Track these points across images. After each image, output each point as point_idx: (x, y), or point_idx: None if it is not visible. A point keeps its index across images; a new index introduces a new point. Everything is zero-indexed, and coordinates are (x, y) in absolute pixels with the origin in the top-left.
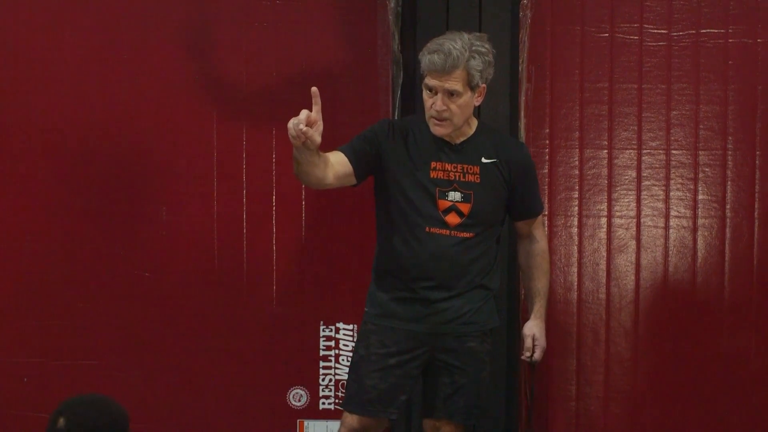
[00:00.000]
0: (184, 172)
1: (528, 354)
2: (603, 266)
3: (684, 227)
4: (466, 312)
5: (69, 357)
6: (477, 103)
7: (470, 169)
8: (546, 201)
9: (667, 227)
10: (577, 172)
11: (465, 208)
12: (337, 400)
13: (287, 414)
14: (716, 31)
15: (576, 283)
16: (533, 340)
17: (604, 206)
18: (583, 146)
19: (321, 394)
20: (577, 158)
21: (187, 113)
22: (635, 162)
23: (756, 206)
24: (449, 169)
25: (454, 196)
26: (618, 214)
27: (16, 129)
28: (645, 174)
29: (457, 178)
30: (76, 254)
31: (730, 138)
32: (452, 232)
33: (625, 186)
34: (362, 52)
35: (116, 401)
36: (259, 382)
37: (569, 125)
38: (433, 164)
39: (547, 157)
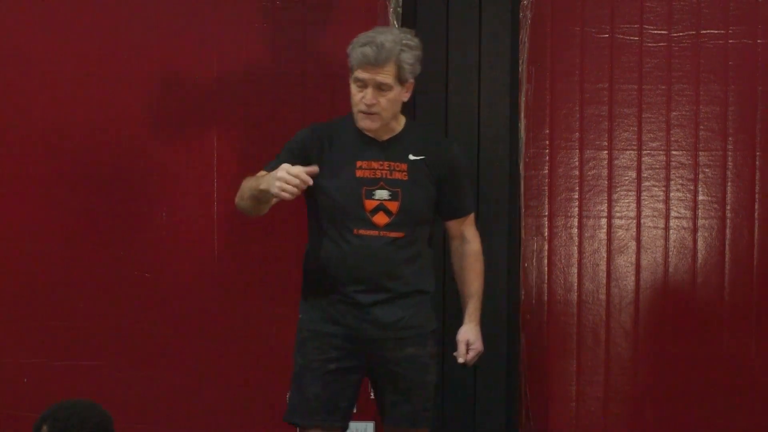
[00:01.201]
0: (185, 173)
1: (461, 360)
2: (603, 267)
3: (684, 228)
4: (402, 317)
5: (69, 357)
6: (405, 99)
7: (397, 166)
8: (546, 202)
9: (667, 228)
10: (577, 172)
11: (393, 206)
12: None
13: None
14: (716, 31)
15: (576, 284)
16: (467, 345)
17: (605, 207)
18: (584, 147)
19: None
20: (577, 159)
21: (188, 114)
22: (635, 163)
23: (756, 207)
24: (375, 167)
25: (381, 194)
26: (618, 214)
27: (17, 130)
28: (645, 175)
29: (384, 176)
30: (76, 255)
31: (730, 139)
32: (381, 232)
33: (625, 187)
34: None
35: (100, 406)
36: (259, 383)
37: (569, 126)
38: (359, 163)
39: (548, 157)
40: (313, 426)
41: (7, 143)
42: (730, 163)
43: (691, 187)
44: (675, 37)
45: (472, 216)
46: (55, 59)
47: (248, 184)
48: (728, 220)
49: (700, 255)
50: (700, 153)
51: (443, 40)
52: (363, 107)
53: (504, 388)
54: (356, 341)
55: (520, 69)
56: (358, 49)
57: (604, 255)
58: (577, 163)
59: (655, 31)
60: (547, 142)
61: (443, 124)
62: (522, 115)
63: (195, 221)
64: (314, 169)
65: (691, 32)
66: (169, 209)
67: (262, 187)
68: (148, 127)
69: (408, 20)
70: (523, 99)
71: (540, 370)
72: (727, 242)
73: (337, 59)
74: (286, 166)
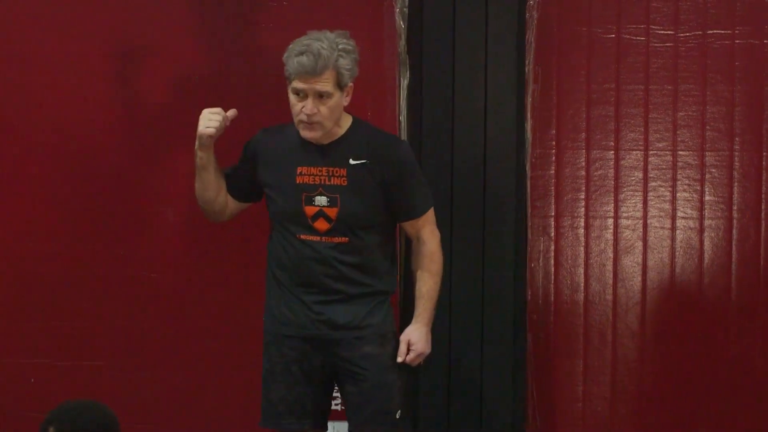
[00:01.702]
0: (191, 172)
1: (400, 359)
2: (610, 267)
3: (691, 228)
4: (357, 317)
5: (75, 358)
6: (345, 103)
7: (336, 171)
8: (553, 202)
9: (673, 228)
10: (583, 173)
11: (332, 212)
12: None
13: None
14: (723, 32)
15: (582, 284)
16: (408, 345)
17: (611, 207)
18: (590, 147)
19: None
20: (583, 159)
21: (195, 113)
22: (642, 163)
23: (763, 207)
24: (315, 173)
25: (321, 200)
26: (625, 215)
27: (22, 129)
28: (652, 175)
29: (323, 182)
30: (81, 255)
31: (736, 139)
32: (323, 238)
33: (631, 187)
34: (368, 54)
35: (106, 406)
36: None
37: (576, 126)
38: (299, 169)
39: (554, 158)
40: (282, 429)
41: (11, 143)
42: (736, 164)
43: (698, 188)
44: (682, 37)
45: (427, 216)
46: (60, 59)
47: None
48: (735, 221)
49: (706, 255)
50: (706, 153)
51: (449, 40)
52: (304, 117)
53: (510, 388)
54: (313, 342)
55: (526, 69)
56: (294, 58)
57: (611, 255)
58: (583, 164)
59: (662, 32)
60: (554, 143)
61: (450, 124)
62: (528, 115)
63: (201, 221)
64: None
65: (697, 32)
66: (174, 209)
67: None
68: (154, 127)
69: (414, 21)
70: (529, 99)
71: (546, 370)
72: (733, 242)
73: None
74: (207, 109)
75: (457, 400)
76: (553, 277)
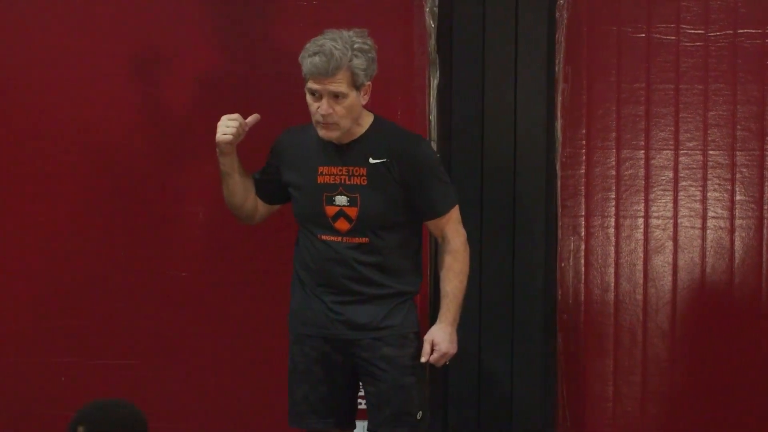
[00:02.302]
0: (217, 172)
1: (423, 359)
2: (640, 267)
3: (721, 228)
4: (375, 317)
5: (106, 357)
6: (364, 102)
7: (356, 171)
8: (583, 202)
9: (704, 228)
10: (613, 172)
11: (352, 212)
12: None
13: None
14: (753, 31)
15: (613, 284)
16: (432, 345)
17: (641, 207)
18: (620, 147)
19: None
20: (613, 159)
21: (220, 114)
22: (672, 162)
23: None
24: (335, 172)
25: (341, 200)
26: (655, 214)
27: (50, 129)
28: (682, 174)
29: (343, 182)
30: (113, 255)
31: (767, 138)
32: (344, 238)
33: (662, 186)
34: (398, 54)
35: (135, 405)
36: None
37: (606, 126)
38: (320, 169)
39: (584, 157)
40: (308, 428)
41: (40, 142)
42: (767, 163)
43: (729, 187)
44: (712, 36)
45: (450, 214)
46: (88, 59)
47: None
48: (765, 220)
49: (737, 255)
50: (737, 153)
51: (479, 40)
52: (319, 117)
53: (541, 388)
54: (333, 342)
55: (556, 69)
56: (308, 59)
57: (641, 255)
58: (613, 163)
59: (692, 31)
60: (584, 142)
61: (480, 124)
62: (558, 115)
63: (231, 220)
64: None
65: (728, 31)
66: (205, 209)
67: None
68: (180, 126)
69: (444, 20)
70: (559, 99)
71: (577, 370)
72: (764, 242)
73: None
74: (225, 116)
75: (487, 401)
76: (583, 276)
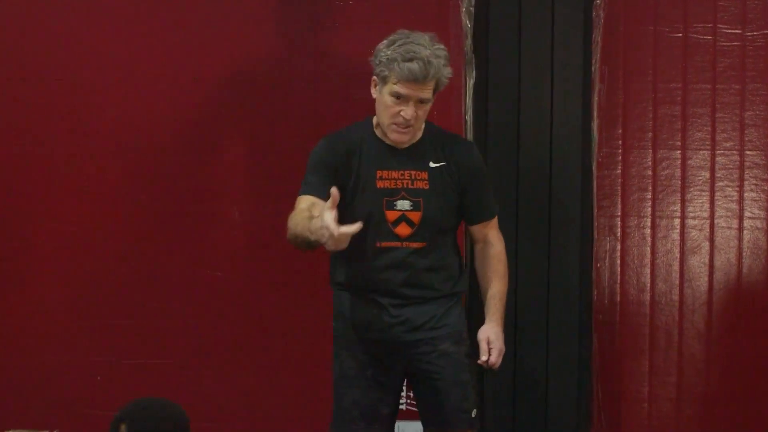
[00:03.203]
0: (256, 171)
1: (484, 358)
2: (676, 267)
3: (758, 228)
4: (433, 316)
5: (141, 356)
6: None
7: (418, 174)
8: (619, 202)
9: (740, 228)
10: (650, 172)
11: (415, 216)
12: (408, 400)
13: None
14: None
15: (649, 285)
16: (488, 343)
17: (678, 207)
18: (657, 147)
19: None
20: (650, 159)
21: (259, 114)
22: (709, 163)
23: None
24: (396, 176)
25: (403, 204)
26: (691, 215)
27: (88, 130)
28: (719, 175)
29: (405, 186)
30: (148, 254)
31: None
32: (404, 243)
33: (698, 187)
34: None
35: (177, 404)
36: (328, 383)
37: (642, 126)
38: (379, 173)
39: (620, 157)
40: None
41: (79, 143)
42: None
43: (765, 188)
44: (749, 36)
45: (495, 219)
46: (127, 59)
47: (297, 229)
48: None
49: None
50: None
51: (515, 40)
52: (401, 120)
53: (576, 388)
54: (390, 345)
55: (592, 69)
56: (404, 64)
57: (677, 255)
58: (650, 163)
59: (729, 31)
60: (620, 142)
61: (516, 124)
62: (595, 115)
63: (267, 220)
64: (357, 226)
65: (765, 31)
66: (241, 208)
67: (313, 239)
68: (220, 126)
69: (480, 20)
70: (595, 99)
71: (612, 370)
72: None
73: None
74: (328, 223)
75: (522, 401)
76: (619, 277)
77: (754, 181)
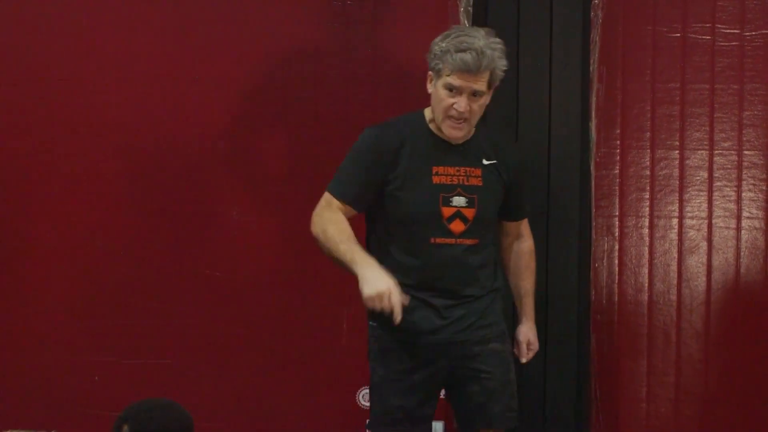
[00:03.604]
0: (255, 172)
1: (524, 360)
2: (674, 267)
3: (756, 228)
4: (482, 315)
5: (140, 356)
6: (486, 102)
7: (473, 171)
8: (617, 202)
9: (738, 228)
10: (648, 172)
11: (470, 213)
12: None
13: (357, 414)
14: None
15: (647, 284)
16: (528, 345)
17: (676, 207)
18: (655, 147)
19: None
20: (648, 159)
21: (258, 114)
22: (707, 163)
23: None
24: (452, 173)
25: (459, 201)
26: (689, 215)
27: (88, 130)
28: (717, 175)
29: (461, 182)
30: (147, 254)
31: None
32: (458, 240)
33: (696, 187)
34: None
35: (181, 406)
36: (329, 382)
37: (640, 126)
38: (435, 169)
39: (618, 157)
40: None
41: (78, 143)
42: None
43: (763, 188)
44: (747, 36)
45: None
46: (127, 59)
47: (331, 244)
48: None
49: None
50: None
51: (514, 40)
52: (454, 113)
53: (574, 388)
54: (441, 347)
55: (591, 69)
56: (456, 54)
57: (675, 255)
58: (648, 163)
59: (728, 30)
60: (618, 142)
61: (514, 124)
62: (593, 115)
63: (266, 220)
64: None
65: (763, 31)
66: (240, 209)
67: (353, 269)
68: (219, 127)
69: (479, 19)
70: (594, 99)
71: (610, 370)
72: None
73: (407, 59)
74: (393, 288)
75: (520, 400)
76: (617, 277)
77: (752, 181)
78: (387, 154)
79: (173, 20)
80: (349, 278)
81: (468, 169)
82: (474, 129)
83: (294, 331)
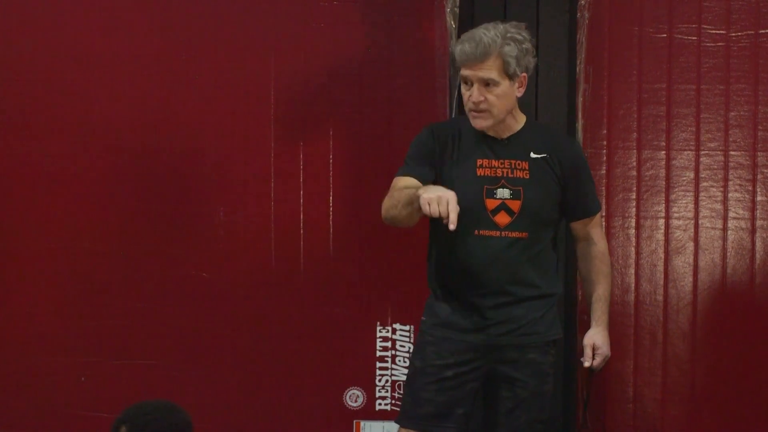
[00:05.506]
0: (242, 172)
1: (588, 363)
2: (660, 268)
3: (742, 229)
4: (527, 322)
5: (127, 356)
6: (519, 94)
7: (518, 164)
8: (603, 202)
9: (725, 229)
10: (634, 173)
11: (515, 205)
12: (393, 401)
13: (344, 415)
14: None
15: (633, 285)
16: (593, 349)
17: (662, 207)
18: (641, 147)
19: (377, 394)
20: (634, 159)
21: (245, 114)
22: (693, 163)
23: None
24: (496, 165)
25: (503, 193)
26: (676, 215)
27: (74, 129)
28: (703, 175)
29: (505, 174)
30: (134, 254)
31: None
32: (503, 232)
33: (683, 187)
34: (419, 53)
35: (180, 408)
36: (315, 383)
37: (627, 126)
38: (479, 161)
39: (605, 158)
40: (424, 430)
41: (65, 143)
42: None
43: (750, 188)
44: (733, 36)
45: (598, 216)
46: (113, 59)
47: (401, 196)
48: None
49: (758, 256)
50: (758, 153)
51: None
52: (471, 105)
53: (561, 389)
54: (477, 347)
55: (577, 69)
56: (459, 46)
57: (662, 256)
58: (634, 164)
59: (714, 31)
60: (605, 143)
61: None
62: (579, 115)
63: (252, 221)
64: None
65: (749, 32)
66: (226, 209)
67: (418, 196)
68: (205, 128)
69: (465, 20)
70: (580, 99)
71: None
72: None
73: (394, 60)
74: (452, 196)
75: None
76: None
77: (739, 182)
78: (439, 144)
79: (159, 20)
80: (339, 279)
81: (513, 161)
82: (524, 123)
83: (281, 332)
